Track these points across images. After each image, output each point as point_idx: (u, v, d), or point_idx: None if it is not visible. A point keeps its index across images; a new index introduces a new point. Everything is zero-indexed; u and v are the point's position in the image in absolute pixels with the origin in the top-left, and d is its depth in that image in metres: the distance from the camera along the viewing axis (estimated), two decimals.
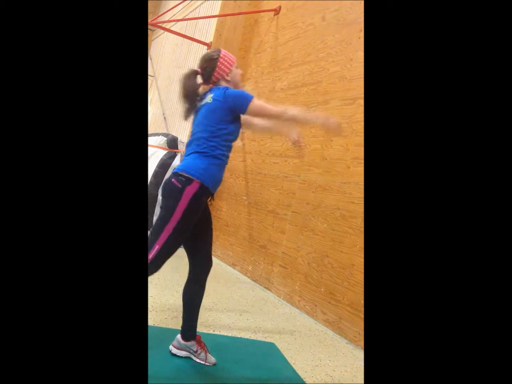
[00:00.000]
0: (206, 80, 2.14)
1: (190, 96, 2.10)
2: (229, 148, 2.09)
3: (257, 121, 2.26)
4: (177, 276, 3.68)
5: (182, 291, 2.19)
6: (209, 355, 2.22)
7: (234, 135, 2.08)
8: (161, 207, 1.99)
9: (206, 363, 2.19)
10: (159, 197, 2.01)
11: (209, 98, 2.05)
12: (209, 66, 2.10)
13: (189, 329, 2.19)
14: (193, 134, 2.09)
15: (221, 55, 2.11)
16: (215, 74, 2.10)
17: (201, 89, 2.15)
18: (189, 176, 1.94)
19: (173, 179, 1.96)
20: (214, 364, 2.20)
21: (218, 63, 2.09)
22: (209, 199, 2.09)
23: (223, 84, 2.11)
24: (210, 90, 2.10)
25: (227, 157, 2.09)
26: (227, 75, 2.11)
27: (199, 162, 1.98)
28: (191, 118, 2.17)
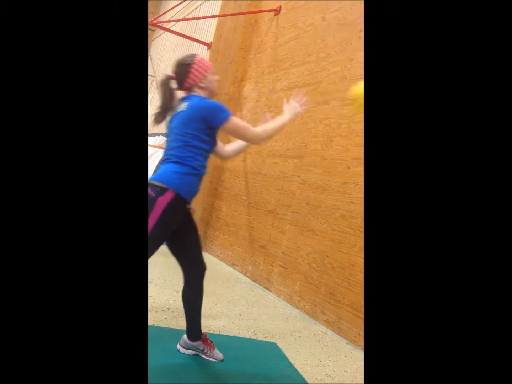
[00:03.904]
0: (180, 86, 2.08)
1: (165, 101, 2.04)
2: (205, 158, 2.03)
3: (223, 150, 2.26)
4: (177, 276, 3.68)
5: (181, 295, 2.20)
6: (216, 351, 2.27)
7: (209, 146, 2.03)
8: None
9: (214, 360, 2.24)
10: None
11: (183, 106, 1.99)
12: (182, 72, 2.05)
13: (194, 330, 2.22)
14: (167, 141, 2.06)
15: (195, 61, 2.05)
16: (188, 80, 2.04)
17: (177, 95, 2.09)
18: (163, 186, 1.89)
19: (148, 188, 1.89)
20: (222, 360, 2.25)
21: (192, 69, 2.03)
22: (187, 207, 2.05)
23: (197, 90, 2.06)
24: (187, 97, 2.05)
25: (204, 167, 2.03)
26: (201, 82, 2.05)
27: (174, 171, 1.93)
28: (165, 123, 2.12)
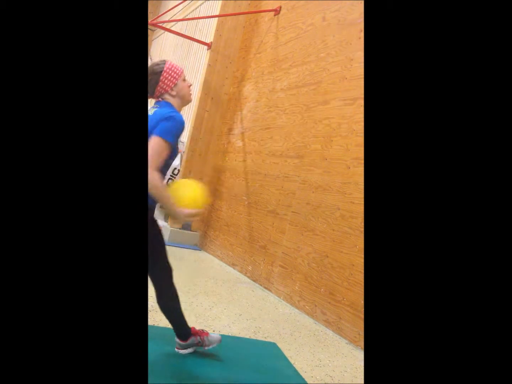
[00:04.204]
0: (151, 94, 2.01)
1: None
2: (167, 166, 1.94)
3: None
4: (177, 276, 3.67)
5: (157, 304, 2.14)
6: (211, 335, 2.28)
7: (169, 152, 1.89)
8: None
9: (213, 345, 2.26)
10: None
11: (151, 111, 1.93)
12: (153, 79, 1.97)
13: (182, 330, 2.22)
14: None
15: (165, 68, 1.97)
16: (158, 88, 1.97)
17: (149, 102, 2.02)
18: None
19: None
20: (220, 340, 2.28)
21: (161, 77, 1.96)
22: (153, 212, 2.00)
23: (169, 98, 1.98)
24: (159, 102, 1.99)
25: (164, 170, 1.94)
26: (172, 90, 1.97)
27: None
28: None
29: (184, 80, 2.03)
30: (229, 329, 2.83)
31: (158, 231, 2.11)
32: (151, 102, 2.07)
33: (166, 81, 1.97)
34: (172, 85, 1.98)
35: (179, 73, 2.01)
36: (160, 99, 2.01)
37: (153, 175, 1.77)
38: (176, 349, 2.26)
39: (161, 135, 1.81)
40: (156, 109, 1.94)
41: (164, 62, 2.01)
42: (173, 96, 1.99)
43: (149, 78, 1.97)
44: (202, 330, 2.29)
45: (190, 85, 2.06)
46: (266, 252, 4.30)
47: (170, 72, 1.98)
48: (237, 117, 5.48)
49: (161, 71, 1.96)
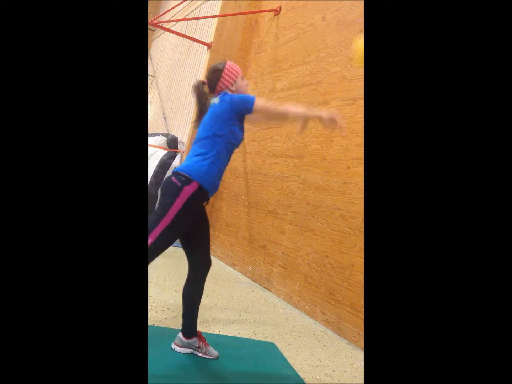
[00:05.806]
0: (212, 90, 2.22)
1: (201, 106, 2.21)
2: (230, 151, 2.14)
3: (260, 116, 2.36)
4: (177, 276, 3.68)
5: (182, 290, 2.23)
6: (211, 348, 2.29)
7: (236, 139, 2.14)
8: (158, 203, 2.04)
9: (210, 357, 2.26)
10: (159, 194, 2.06)
11: (216, 100, 2.12)
12: (214, 77, 2.19)
13: (190, 327, 2.24)
14: (198, 134, 2.16)
15: (226, 66, 2.18)
16: (219, 84, 2.18)
17: (209, 98, 2.24)
18: (189, 177, 1.99)
19: (173, 178, 2.01)
20: (217, 357, 2.28)
21: (223, 74, 2.17)
22: (205, 202, 2.15)
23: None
24: (217, 95, 2.18)
25: (228, 159, 2.15)
26: (232, 86, 2.18)
27: (201, 164, 2.03)
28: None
29: (242, 78, 2.23)
30: (228, 329, 2.83)
31: (206, 223, 2.25)
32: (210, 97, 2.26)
33: (227, 77, 2.18)
34: (232, 82, 2.18)
35: (238, 71, 2.22)
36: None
37: (284, 110, 2.11)
38: (173, 345, 2.25)
39: (251, 99, 2.06)
40: (218, 97, 2.12)
41: (225, 61, 2.23)
42: (232, 92, 2.18)
43: (210, 76, 2.20)
44: (205, 339, 2.30)
45: (247, 84, 2.27)
46: (266, 252, 4.30)
47: (231, 69, 2.19)
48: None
49: (223, 68, 2.18)
